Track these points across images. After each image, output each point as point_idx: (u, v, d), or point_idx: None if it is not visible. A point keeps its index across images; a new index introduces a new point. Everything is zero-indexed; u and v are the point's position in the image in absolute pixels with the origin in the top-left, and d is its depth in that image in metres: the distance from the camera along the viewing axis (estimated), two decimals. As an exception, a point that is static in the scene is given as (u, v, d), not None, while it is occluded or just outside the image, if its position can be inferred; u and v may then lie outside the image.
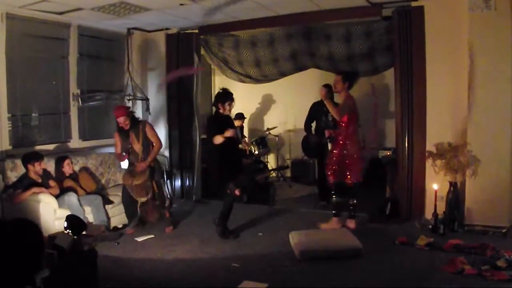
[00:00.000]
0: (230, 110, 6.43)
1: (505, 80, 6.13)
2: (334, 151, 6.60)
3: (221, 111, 6.36)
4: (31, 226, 2.25)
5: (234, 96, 6.42)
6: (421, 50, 6.65)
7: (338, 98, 6.77)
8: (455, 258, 5.17)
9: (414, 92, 6.69)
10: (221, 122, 6.32)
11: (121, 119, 6.42)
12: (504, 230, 6.09)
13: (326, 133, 7.02)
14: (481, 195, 6.32)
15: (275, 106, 10.87)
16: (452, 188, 6.37)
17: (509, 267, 4.90)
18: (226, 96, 6.35)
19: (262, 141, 9.80)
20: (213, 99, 10.38)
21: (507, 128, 6.20)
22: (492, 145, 6.24)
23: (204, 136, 9.30)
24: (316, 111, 8.02)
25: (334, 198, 6.68)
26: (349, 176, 6.46)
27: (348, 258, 5.33)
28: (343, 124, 6.46)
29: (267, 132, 10.20)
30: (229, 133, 6.16)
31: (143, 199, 6.58)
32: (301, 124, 8.38)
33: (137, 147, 6.57)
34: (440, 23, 6.58)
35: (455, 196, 6.38)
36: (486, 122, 6.23)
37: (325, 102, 6.60)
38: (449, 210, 6.34)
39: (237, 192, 6.28)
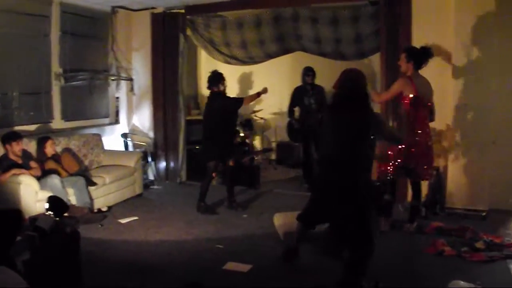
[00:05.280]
0: (224, 89, 6.78)
1: (489, 66, 6.20)
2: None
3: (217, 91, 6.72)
4: None
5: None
6: (408, 35, 6.65)
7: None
8: (436, 240, 5.29)
9: (400, 77, 6.68)
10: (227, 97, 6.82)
11: None
12: (483, 214, 6.25)
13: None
14: (462, 180, 6.45)
15: (260, 88, 10.80)
16: (434, 172, 6.43)
17: (487, 249, 5.05)
18: (219, 77, 6.71)
19: (248, 123, 9.79)
20: (198, 80, 10.43)
21: (489, 114, 6.29)
22: (474, 130, 6.33)
23: (189, 118, 9.34)
24: (298, 96, 8.10)
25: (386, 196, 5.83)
26: (417, 171, 5.61)
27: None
28: (406, 110, 5.55)
29: (253, 115, 10.18)
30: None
31: None
32: (286, 107, 8.38)
33: None
34: (428, 9, 6.61)
35: (438, 180, 6.46)
36: (469, 106, 6.32)
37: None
38: (432, 194, 6.45)
39: (214, 174, 6.75)
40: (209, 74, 6.83)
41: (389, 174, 5.65)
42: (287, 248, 4.87)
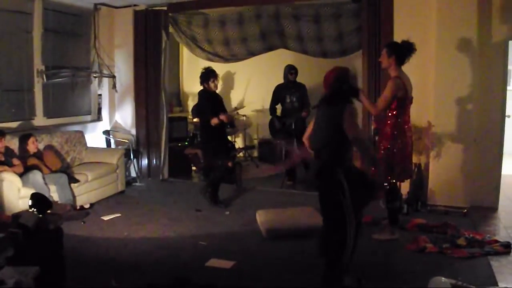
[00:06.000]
0: (215, 87, 6.74)
1: (469, 61, 6.28)
2: (382, 146, 5.32)
3: (207, 88, 6.71)
4: None
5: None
6: (389, 33, 6.70)
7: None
8: (418, 236, 5.36)
9: (381, 74, 6.75)
10: (212, 99, 6.70)
11: None
12: (464, 211, 6.32)
13: (372, 125, 5.96)
14: (443, 177, 6.51)
15: (242, 86, 10.82)
16: (416, 169, 6.50)
17: (468, 245, 5.11)
18: (208, 74, 6.65)
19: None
20: (180, 77, 10.43)
21: (469, 111, 6.38)
22: (455, 128, 6.41)
23: (171, 115, 9.35)
24: (280, 94, 8.14)
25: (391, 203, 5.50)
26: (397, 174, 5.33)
27: (313, 236, 5.36)
28: (389, 112, 5.21)
29: (235, 112, 10.19)
30: (224, 117, 6.58)
31: None
32: (268, 105, 8.41)
33: None
34: (409, 7, 6.68)
35: (419, 177, 6.53)
36: (450, 105, 6.39)
37: (361, 97, 4.92)
38: (413, 190, 6.50)
39: (229, 163, 6.76)
40: (203, 70, 6.80)
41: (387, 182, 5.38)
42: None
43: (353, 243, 4.08)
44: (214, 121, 6.53)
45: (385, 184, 5.35)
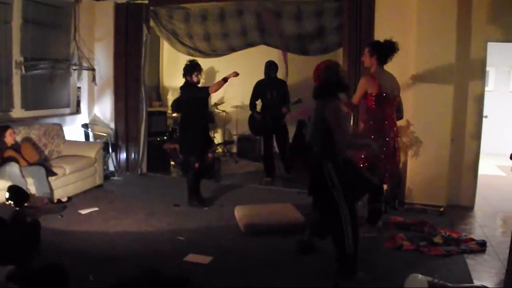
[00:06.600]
0: (198, 81, 6.60)
1: (448, 61, 6.39)
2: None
3: (190, 81, 6.57)
4: None
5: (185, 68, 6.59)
6: (370, 31, 6.74)
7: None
8: (395, 234, 5.41)
9: (361, 72, 6.78)
10: (195, 91, 6.56)
11: None
12: (441, 209, 6.41)
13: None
14: (421, 176, 6.61)
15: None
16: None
17: (445, 243, 5.18)
18: (193, 67, 6.52)
19: (209, 116, 9.80)
20: (160, 71, 10.37)
21: (448, 111, 6.46)
22: (433, 127, 6.50)
23: (151, 109, 9.31)
24: (260, 90, 8.14)
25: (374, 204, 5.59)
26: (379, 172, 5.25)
27: (291, 233, 5.38)
28: (371, 109, 5.22)
29: (215, 107, 10.19)
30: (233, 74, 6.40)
31: None
32: (248, 101, 8.41)
33: None
34: (390, 6, 6.72)
35: (397, 175, 6.56)
36: (429, 104, 6.47)
37: None
38: (391, 188, 6.53)
39: (196, 165, 6.57)
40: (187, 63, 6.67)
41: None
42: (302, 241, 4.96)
43: (352, 234, 4.26)
44: (219, 84, 6.46)
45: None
